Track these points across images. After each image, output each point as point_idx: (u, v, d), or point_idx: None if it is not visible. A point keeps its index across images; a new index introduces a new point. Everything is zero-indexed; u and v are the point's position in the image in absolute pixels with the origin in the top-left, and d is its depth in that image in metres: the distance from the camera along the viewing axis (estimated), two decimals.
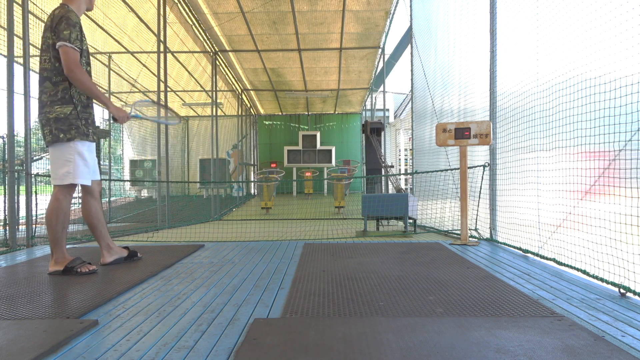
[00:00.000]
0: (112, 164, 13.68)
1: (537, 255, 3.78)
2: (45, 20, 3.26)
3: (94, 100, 3.32)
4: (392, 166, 14.00)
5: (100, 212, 3.46)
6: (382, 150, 11.84)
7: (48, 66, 3.15)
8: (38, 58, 3.26)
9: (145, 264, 3.53)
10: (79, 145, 3.16)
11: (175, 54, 11.89)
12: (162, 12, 8.36)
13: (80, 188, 3.38)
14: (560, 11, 3.56)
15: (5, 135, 4.89)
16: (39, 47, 3.26)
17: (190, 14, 9.87)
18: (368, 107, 17.83)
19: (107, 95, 12.40)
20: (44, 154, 8.46)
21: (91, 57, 3.47)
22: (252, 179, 19.75)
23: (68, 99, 3.13)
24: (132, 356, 1.74)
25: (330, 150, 19.27)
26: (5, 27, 4.82)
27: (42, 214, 6.24)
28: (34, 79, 3.77)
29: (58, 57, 3.11)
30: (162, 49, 8.49)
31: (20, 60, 4.89)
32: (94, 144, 3.33)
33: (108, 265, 3.43)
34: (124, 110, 3.32)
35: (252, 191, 19.29)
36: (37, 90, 3.25)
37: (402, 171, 18.65)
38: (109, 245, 3.49)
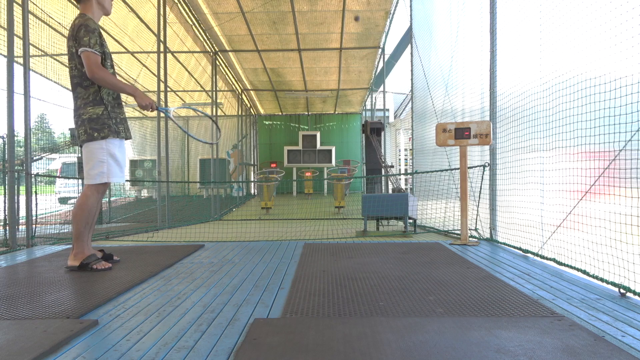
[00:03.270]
0: None
1: (537, 255, 3.78)
2: (68, 31, 3.44)
3: (122, 95, 3.50)
4: (392, 166, 14.00)
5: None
6: (382, 150, 11.85)
7: (76, 73, 3.33)
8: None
9: (145, 264, 3.53)
10: (111, 145, 3.32)
11: (175, 54, 11.89)
12: (162, 12, 8.36)
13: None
14: (560, 11, 3.56)
15: (5, 135, 4.89)
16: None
17: (190, 14, 9.87)
18: (368, 107, 17.83)
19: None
20: (44, 154, 8.46)
21: None
22: (252, 179, 19.75)
23: (99, 100, 3.31)
24: (132, 356, 1.74)
25: (330, 150, 19.27)
26: (5, 27, 4.82)
27: (42, 214, 6.23)
28: (34, 79, 3.82)
29: (82, 63, 3.27)
30: (162, 49, 8.49)
31: (20, 60, 4.89)
32: (124, 141, 3.48)
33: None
34: (149, 98, 3.42)
35: (252, 191, 19.28)
36: (72, 96, 3.44)
37: (402, 171, 18.66)
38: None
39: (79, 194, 3.40)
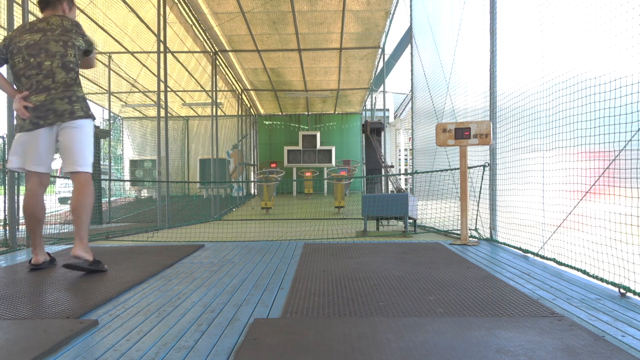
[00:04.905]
0: (112, 164, 13.67)
1: (537, 255, 3.78)
2: None
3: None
4: (392, 166, 14.01)
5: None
6: (382, 150, 11.85)
7: None
8: None
9: (145, 264, 3.53)
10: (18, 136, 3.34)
11: (175, 54, 11.89)
12: (162, 12, 8.36)
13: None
14: (560, 11, 3.56)
15: (5, 135, 4.89)
16: None
17: (190, 14, 9.87)
18: (368, 107, 17.82)
19: (106, 93, 12.38)
20: None
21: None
22: (252, 179, 19.74)
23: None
24: (132, 356, 1.74)
25: (330, 150, 19.26)
26: (6, 27, 4.82)
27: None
28: None
29: None
30: (162, 49, 8.49)
31: None
32: (30, 132, 3.25)
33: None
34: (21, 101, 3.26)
35: (252, 191, 19.29)
36: None
37: (402, 171, 18.66)
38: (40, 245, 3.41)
39: (79, 185, 3.18)
